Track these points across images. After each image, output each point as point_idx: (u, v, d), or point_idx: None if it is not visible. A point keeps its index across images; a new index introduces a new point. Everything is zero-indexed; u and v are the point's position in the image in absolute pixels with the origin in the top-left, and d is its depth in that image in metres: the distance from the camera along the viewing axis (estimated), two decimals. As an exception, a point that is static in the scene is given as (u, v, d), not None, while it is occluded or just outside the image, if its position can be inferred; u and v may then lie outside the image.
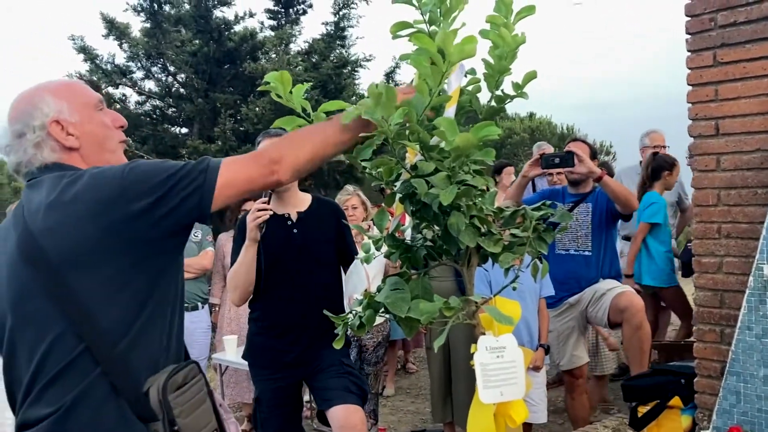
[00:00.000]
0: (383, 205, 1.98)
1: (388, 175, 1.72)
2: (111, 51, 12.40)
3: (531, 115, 28.21)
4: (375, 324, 3.42)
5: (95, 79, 11.79)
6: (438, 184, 1.63)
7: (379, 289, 1.91)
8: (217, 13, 12.30)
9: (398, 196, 1.82)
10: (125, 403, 1.58)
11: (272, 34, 12.64)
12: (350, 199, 4.90)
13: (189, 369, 1.67)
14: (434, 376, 4.33)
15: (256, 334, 3.33)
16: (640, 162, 6.02)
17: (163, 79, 12.74)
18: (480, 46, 1.65)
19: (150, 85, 12.77)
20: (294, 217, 3.28)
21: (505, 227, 1.93)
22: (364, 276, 4.69)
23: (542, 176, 5.43)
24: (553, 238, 1.91)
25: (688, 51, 3.09)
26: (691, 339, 3.26)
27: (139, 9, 12.16)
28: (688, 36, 3.08)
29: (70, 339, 1.56)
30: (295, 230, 3.25)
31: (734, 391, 2.74)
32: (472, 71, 1.80)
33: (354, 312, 2.00)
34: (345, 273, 3.58)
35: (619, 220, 4.41)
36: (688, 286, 4.56)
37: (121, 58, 12.33)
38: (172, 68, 12.41)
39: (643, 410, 3.39)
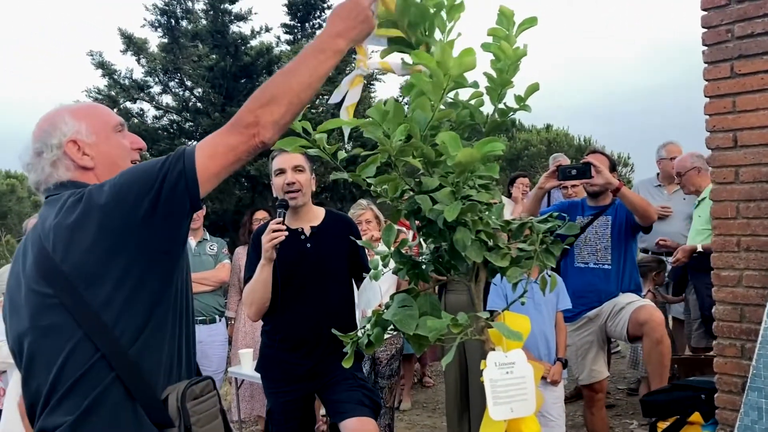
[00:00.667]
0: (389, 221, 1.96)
1: (393, 192, 1.70)
2: (129, 66, 12.56)
3: (548, 127, 28.07)
4: (387, 337, 3.40)
5: (113, 94, 11.92)
6: (442, 200, 1.61)
7: (387, 306, 1.89)
8: (234, 28, 12.40)
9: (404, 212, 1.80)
10: (141, 409, 1.62)
11: (288, 48, 12.70)
12: (364, 213, 4.89)
13: (206, 384, 1.72)
14: (450, 390, 4.28)
15: (268, 347, 3.33)
16: (658, 174, 5.96)
17: (180, 93, 12.84)
18: (483, 58, 1.63)
19: (167, 99, 12.88)
20: (307, 231, 3.28)
21: (513, 240, 1.90)
22: (377, 290, 4.66)
23: (558, 188, 5.39)
24: (560, 250, 1.88)
25: (705, 62, 3.05)
26: (711, 353, 3.20)
27: (157, 25, 12.28)
28: (705, 47, 3.05)
29: (86, 348, 1.60)
30: (308, 244, 3.25)
31: (756, 407, 2.68)
32: (475, 84, 1.78)
33: (363, 330, 1.98)
34: (357, 287, 3.57)
35: (639, 232, 4.35)
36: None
37: (138, 73, 12.46)
38: (189, 83, 12.51)
39: (662, 426, 3.33)
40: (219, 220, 11.05)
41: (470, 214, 1.64)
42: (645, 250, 5.69)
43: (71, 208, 1.64)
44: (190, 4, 12.48)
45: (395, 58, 1.83)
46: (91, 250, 1.59)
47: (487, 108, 1.84)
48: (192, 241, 5.05)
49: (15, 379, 3.78)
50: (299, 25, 13.14)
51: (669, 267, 5.30)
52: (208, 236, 5.29)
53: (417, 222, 1.79)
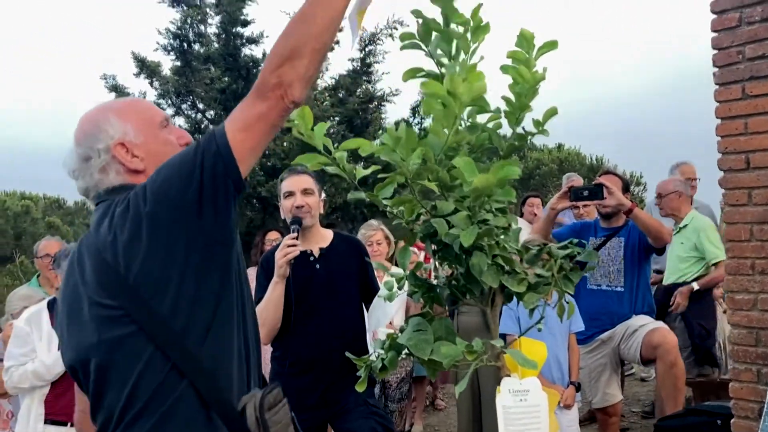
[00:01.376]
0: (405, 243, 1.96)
1: (410, 214, 1.70)
2: (142, 89, 12.65)
3: (559, 146, 28.07)
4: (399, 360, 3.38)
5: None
6: (458, 224, 1.61)
7: (402, 330, 1.89)
8: (246, 51, 12.52)
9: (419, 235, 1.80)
10: (217, 418, 1.55)
11: (299, 70, 12.79)
12: (375, 234, 4.89)
13: (277, 392, 1.63)
14: (462, 413, 4.25)
15: (278, 373, 3.31)
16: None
17: (193, 115, 12.95)
18: (502, 81, 1.64)
19: (180, 121, 12.97)
20: (316, 252, 3.28)
21: (530, 265, 1.89)
22: (387, 310, 4.65)
23: (569, 209, 5.38)
24: (579, 277, 1.87)
25: (716, 84, 3.05)
26: (727, 377, 3.17)
27: (170, 48, 12.43)
28: (716, 69, 3.05)
29: (158, 360, 1.54)
30: (317, 266, 3.25)
31: (773, 434, 2.64)
32: (497, 110, 1.78)
33: (377, 353, 1.97)
34: (367, 309, 3.56)
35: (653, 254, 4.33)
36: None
37: (151, 96, 12.57)
38: (201, 105, 12.62)
39: (678, 451, 3.29)
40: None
41: (487, 238, 1.64)
42: (659, 271, 5.66)
43: (121, 220, 1.57)
44: (202, 28, 12.63)
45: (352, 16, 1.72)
46: (150, 258, 1.52)
47: (505, 130, 1.84)
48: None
49: (27, 403, 3.78)
50: (310, 47, 13.22)
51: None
52: None
53: (433, 245, 1.78)
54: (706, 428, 3.20)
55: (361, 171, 1.70)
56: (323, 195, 3.43)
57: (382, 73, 13.19)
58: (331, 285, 3.24)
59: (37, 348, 3.72)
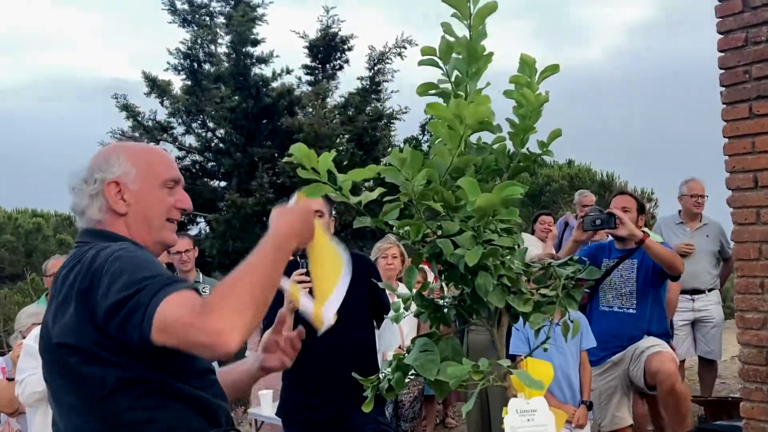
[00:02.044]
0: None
1: (416, 235, 1.71)
2: (153, 108, 12.80)
3: (570, 163, 27.96)
4: (409, 379, 3.37)
5: (137, 135, 12.15)
6: (463, 244, 1.61)
7: (408, 350, 1.89)
8: (256, 70, 12.65)
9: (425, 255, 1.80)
10: None
11: (309, 89, 12.90)
12: (391, 248, 4.87)
13: None
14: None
15: (288, 391, 3.32)
16: (680, 211, 5.92)
17: (203, 134, 13.08)
18: (506, 104, 1.66)
19: (190, 140, 13.11)
20: (326, 272, 3.28)
21: (537, 285, 1.89)
22: (398, 332, 4.65)
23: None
24: (581, 294, 1.87)
25: (723, 103, 3.06)
26: (738, 395, 3.14)
27: (180, 68, 12.57)
28: (723, 88, 3.06)
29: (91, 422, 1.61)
30: (327, 285, 3.25)
31: (785, 454, 2.62)
32: (498, 128, 1.80)
33: (384, 374, 1.97)
34: (378, 328, 3.56)
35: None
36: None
37: (162, 115, 12.71)
38: (211, 124, 12.74)
39: (689, 472, 3.25)
40: (240, 259, 11.08)
41: (492, 258, 1.65)
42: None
43: (72, 269, 1.62)
44: (212, 47, 12.78)
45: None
46: (68, 318, 1.58)
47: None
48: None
49: (37, 421, 3.79)
50: (320, 66, 13.35)
51: None
52: (201, 278, 5.23)
53: (439, 266, 1.79)
54: (717, 448, 3.17)
55: (367, 195, 1.71)
56: (333, 212, 3.44)
57: (391, 92, 13.28)
58: (342, 303, 3.24)
59: None
